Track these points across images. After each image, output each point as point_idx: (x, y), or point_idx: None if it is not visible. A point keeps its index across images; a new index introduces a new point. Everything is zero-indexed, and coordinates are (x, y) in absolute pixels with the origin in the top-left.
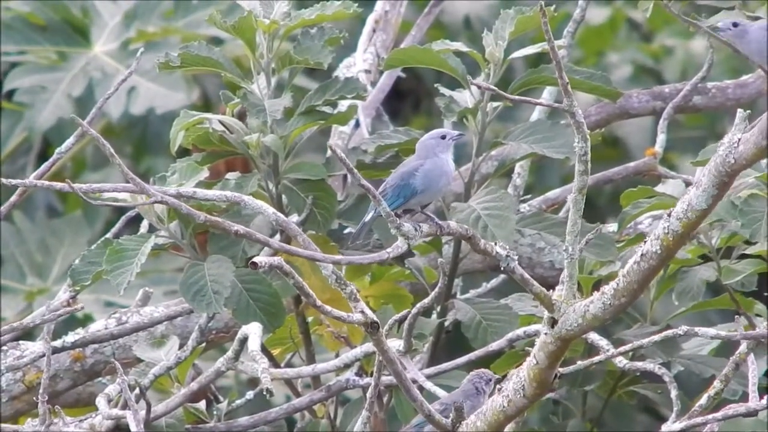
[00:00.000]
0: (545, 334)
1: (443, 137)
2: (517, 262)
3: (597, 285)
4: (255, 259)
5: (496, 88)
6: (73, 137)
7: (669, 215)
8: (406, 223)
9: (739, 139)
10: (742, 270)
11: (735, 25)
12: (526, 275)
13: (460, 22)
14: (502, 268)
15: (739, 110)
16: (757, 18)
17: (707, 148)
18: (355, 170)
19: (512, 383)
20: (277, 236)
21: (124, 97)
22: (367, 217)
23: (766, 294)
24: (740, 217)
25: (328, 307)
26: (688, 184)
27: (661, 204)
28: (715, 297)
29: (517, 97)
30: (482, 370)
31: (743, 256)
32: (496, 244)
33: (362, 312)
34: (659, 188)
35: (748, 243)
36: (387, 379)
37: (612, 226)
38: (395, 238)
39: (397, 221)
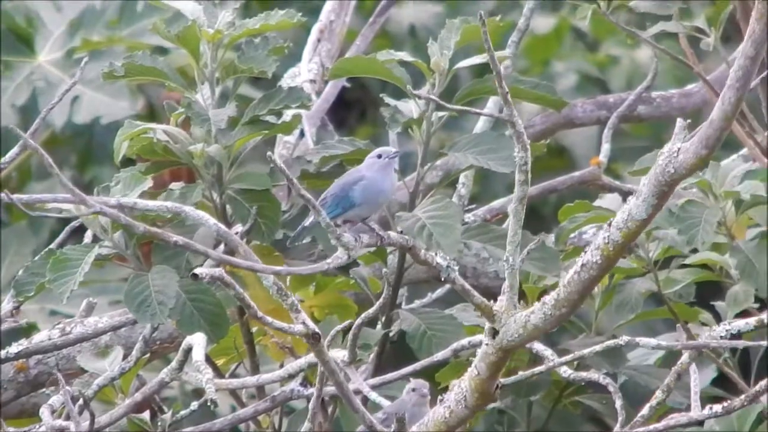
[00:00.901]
0: (486, 344)
1: (379, 156)
2: (457, 272)
3: (543, 294)
4: (196, 271)
5: (437, 99)
6: (16, 148)
7: (609, 225)
8: (345, 234)
9: (679, 149)
10: (682, 279)
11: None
12: (467, 286)
13: (406, 31)
14: (443, 279)
15: (678, 119)
16: (698, 29)
17: (643, 157)
18: (295, 180)
19: (454, 394)
20: (221, 247)
21: (67, 106)
22: (307, 222)
23: (711, 303)
24: (677, 224)
25: (270, 318)
26: (628, 194)
27: (598, 218)
28: (659, 307)
29: (458, 107)
30: (420, 380)
31: (683, 266)
32: (436, 254)
33: (303, 323)
34: (597, 202)
35: (683, 255)
36: (331, 389)
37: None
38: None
39: (337, 231)
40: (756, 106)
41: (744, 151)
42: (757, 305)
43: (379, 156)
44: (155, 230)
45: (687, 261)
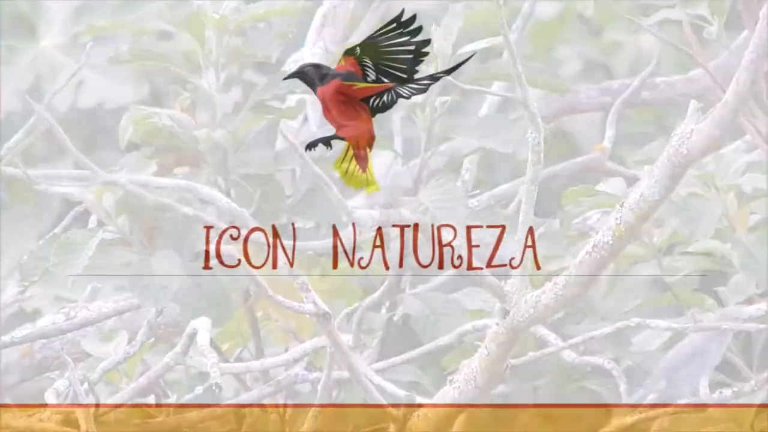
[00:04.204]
0: (497, 324)
1: None
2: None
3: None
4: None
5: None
6: (21, 132)
7: (621, 206)
8: (358, 210)
9: (692, 130)
10: (684, 267)
11: None
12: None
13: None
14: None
15: (692, 101)
16: (701, 17)
17: (648, 146)
18: (307, 156)
19: (463, 374)
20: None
21: (72, 91)
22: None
23: (715, 289)
24: (679, 216)
25: (281, 297)
26: (633, 179)
27: (602, 203)
28: (662, 294)
29: (469, 86)
30: None
31: (686, 254)
32: None
33: (314, 302)
34: (600, 186)
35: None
36: (336, 374)
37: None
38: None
39: (348, 208)
40: (758, 94)
41: (747, 137)
42: (760, 291)
43: None
44: (166, 200)
45: (690, 249)
